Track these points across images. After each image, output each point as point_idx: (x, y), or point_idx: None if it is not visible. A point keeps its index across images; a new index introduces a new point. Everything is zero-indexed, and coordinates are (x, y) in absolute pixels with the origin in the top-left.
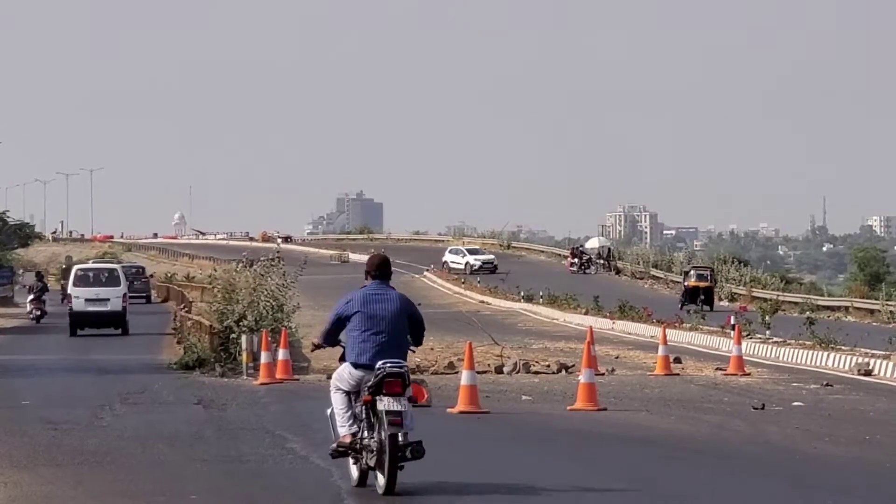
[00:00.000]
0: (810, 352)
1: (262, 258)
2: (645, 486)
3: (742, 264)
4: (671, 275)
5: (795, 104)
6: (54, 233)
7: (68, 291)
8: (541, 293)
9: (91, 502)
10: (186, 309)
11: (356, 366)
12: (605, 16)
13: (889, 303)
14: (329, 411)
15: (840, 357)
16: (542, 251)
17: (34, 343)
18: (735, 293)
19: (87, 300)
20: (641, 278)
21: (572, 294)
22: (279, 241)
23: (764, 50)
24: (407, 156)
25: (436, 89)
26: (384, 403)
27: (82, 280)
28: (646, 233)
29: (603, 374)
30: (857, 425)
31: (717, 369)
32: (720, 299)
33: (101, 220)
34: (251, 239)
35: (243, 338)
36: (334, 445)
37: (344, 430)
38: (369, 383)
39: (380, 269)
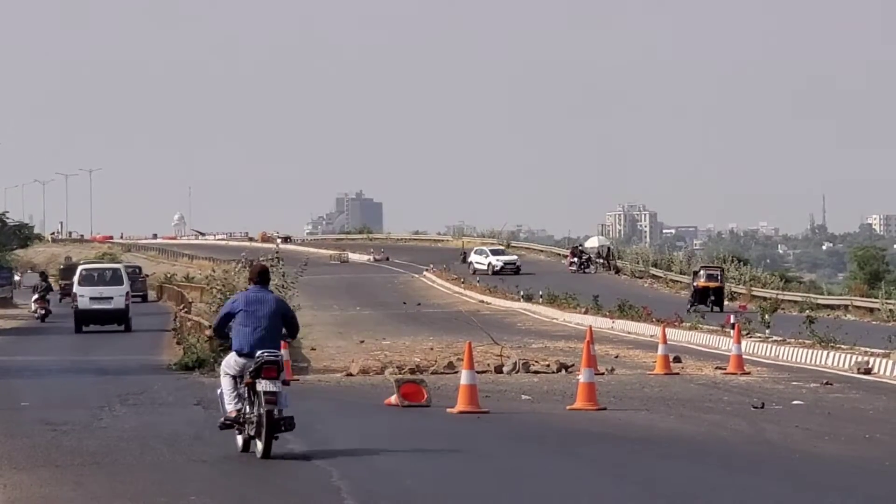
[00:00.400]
0: (810, 350)
1: (261, 258)
2: (645, 485)
3: (742, 263)
4: (671, 274)
5: (794, 103)
6: (53, 233)
7: (74, 290)
8: (540, 292)
9: (90, 503)
10: (186, 309)
11: (240, 354)
12: (604, 16)
13: (889, 301)
14: (219, 392)
15: (840, 356)
16: (542, 251)
17: (33, 344)
18: (735, 292)
19: (91, 298)
20: (641, 277)
21: (572, 293)
22: (279, 241)
23: (762, 49)
24: (406, 156)
25: (435, 89)
26: (262, 385)
27: (87, 279)
28: (645, 232)
29: (603, 374)
30: (857, 424)
31: (716, 368)
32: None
33: (100, 220)
34: (251, 239)
35: None
36: (222, 419)
37: (231, 406)
38: (250, 369)
39: (260, 276)
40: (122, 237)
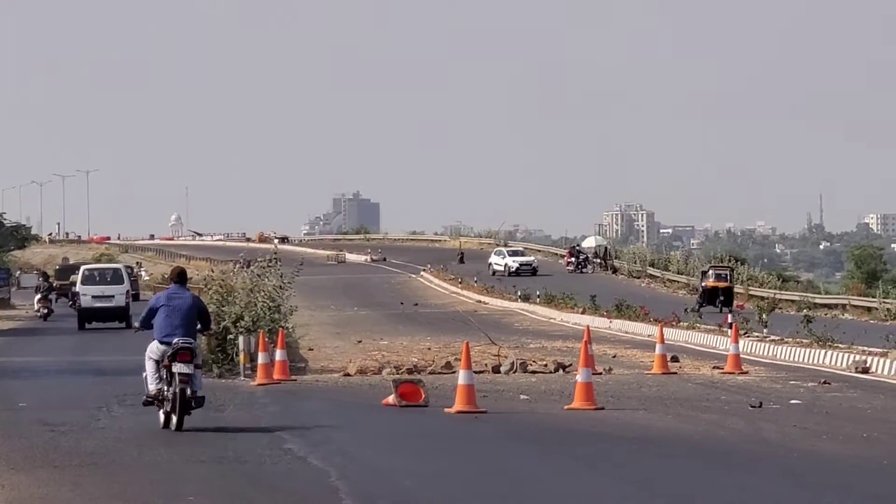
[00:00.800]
0: (808, 350)
1: (258, 259)
2: (643, 484)
3: (739, 262)
4: (668, 273)
5: (792, 103)
6: (51, 234)
7: (76, 289)
8: (538, 292)
9: None
10: None
11: (161, 342)
12: (601, 16)
13: (886, 300)
14: (144, 374)
15: (837, 355)
16: (539, 250)
17: (31, 345)
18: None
19: (93, 297)
20: (638, 277)
21: (569, 293)
22: (276, 241)
23: (760, 49)
24: (403, 156)
25: (432, 89)
26: (177, 367)
27: (89, 279)
28: (642, 231)
29: (600, 374)
30: (855, 423)
31: (714, 368)
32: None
33: (97, 221)
34: (248, 240)
35: (240, 339)
36: (145, 396)
37: (153, 386)
38: (168, 354)
39: (179, 277)
40: (119, 238)
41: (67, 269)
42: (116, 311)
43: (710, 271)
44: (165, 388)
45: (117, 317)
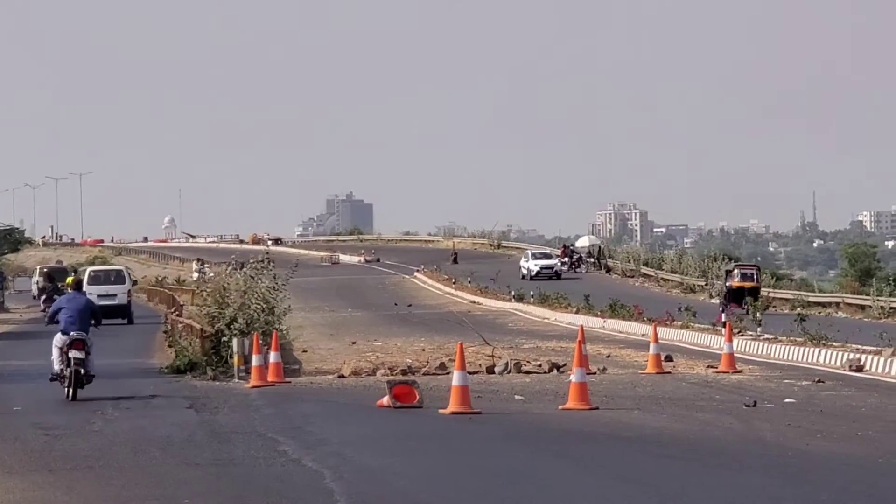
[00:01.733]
0: (802, 348)
1: (251, 261)
2: (637, 484)
3: (733, 261)
4: (661, 273)
5: (785, 101)
6: (44, 237)
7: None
8: (531, 292)
9: None
10: (177, 312)
11: (62, 333)
12: (595, 15)
13: (880, 298)
14: (52, 357)
15: (831, 353)
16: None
17: (25, 348)
18: None
19: (98, 296)
20: (632, 276)
21: (563, 293)
22: (269, 243)
23: (753, 48)
24: (396, 156)
25: (424, 90)
26: (73, 353)
27: (95, 279)
28: (636, 231)
29: (594, 373)
30: (850, 421)
31: (708, 367)
32: (711, 297)
33: (90, 224)
34: (241, 242)
35: (234, 341)
36: (51, 374)
37: (56, 367)
38: (66, 343)
39: (76, 285)
40: (112, 240)
41: (58, 272)
42: (119, 308)
43: (736, 270)
44: (65, 368)
45: (120, 313)
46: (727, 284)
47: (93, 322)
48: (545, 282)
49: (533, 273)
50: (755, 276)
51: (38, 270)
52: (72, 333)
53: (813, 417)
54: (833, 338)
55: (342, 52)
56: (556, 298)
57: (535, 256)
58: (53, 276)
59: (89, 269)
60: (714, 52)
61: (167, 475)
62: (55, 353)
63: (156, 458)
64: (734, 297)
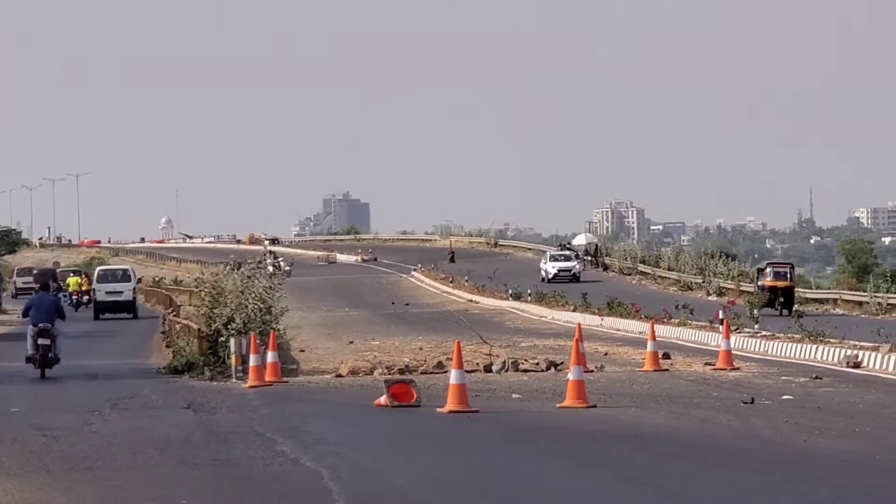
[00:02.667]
0: (799, 345)
1: (249, 261)
2: (635, 482)
3: (730, 258)
4: (659, 270)
5: (781, 98)
6: (41, 239)
7: (93, 286)
8: (529, 291)
9: None
10: (175, 313)
11: (33, 325)
12: (591, 13)
13: (877, 294)
14: (27, 344)
15: (829, 350)
16: (530, 248)
17: (22, 350)
18: (723, 287)
19: (107, 292)
20: (629, 274)
21: (560, 291)
22: (266, 243)
23: (749, 45)
24: (393, 155)
25: (421, 89)
26: (41, 341)
27: (103, 278)
28: (633, 228)
29: (592, 371)
30: (847, 418)
31: (706, 364)
32: (708, 294)
33: (88, 225)
34: (238, 242)
35: (232, 341)
36: (26, 357)
37: (30, 351)
38: (36, 332)
39: (42, 287)
40: (109, 241)
41: (45, 274)
42: (125, 304)
43: (768, 269)
44: (36, 352)
45: (126, 308)
46: (759, 284)
47: (58, 316)
48: (565, 285)
49: (550, 275)
50: (789, 275)
51: (15, 271)
52: (39, 325)
53: (811, 414)
54: (830, 334)
55: (338, 52)
56: (554, 297)
57: (553, 258)
58: (56, 276)
59: (98, 268)
60: (711, 48)
61: (165, 475)
62: (29, 340)
63: (154, 459)
64: (767, 297)
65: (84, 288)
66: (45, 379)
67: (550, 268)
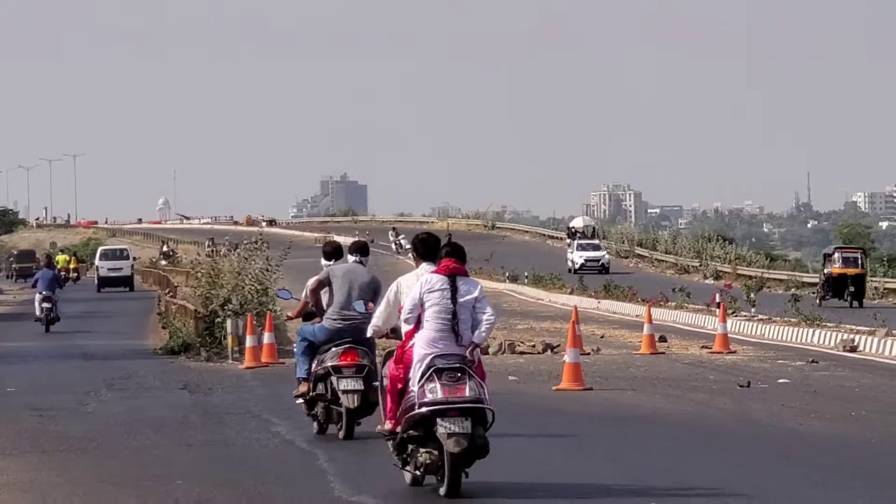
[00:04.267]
0: (795, 329)
1: (244, 242)
2: (632, 464)
3: (727, 242)
4: (656, 253)
5: (779, 82)
6: (38, 219)
7: (96, 263)
8: (525, 273)
9: (77, 489)
10: (171, 294)
11: (38, 293)
12: None
13: (874, 279)
14: (35, 308)
15: (825, 334)
16: (527, 231)
17: (18, 330)
18: (720, 271)
19: (108, 269)
20: (626, 257)
21: (557, 274)
22: (263, 224)
23: (747, 29)
24: (390, 138)
25: (418, 71)
26: (44, 304)
27: (105, 256)
28: (630, 211)
29: (588, 354)
30: (843, 401)
31: (702, 347)
32: (705, 277)
33: (84, 205)
34: (235, 223)
35: (228, 322)
36: (35, 317)
37: (38, 313)
38: (41, 298)
39: (48, 265)
40: (106, 222)
41: (27, 254)
42: (124, 279)
43: (836, 254)
44: (41, 313)
45: (124, 283)
46: (826, 271)
47: (58, 285)
48: (595, 275)
49: (577, 266)
50: (860, 262)
51: (14, 256)
52: (44, 293)
53: (807, 398)
54: (827, 318)
55: (337, 35)
56: (551, 279)
57: (581, 247)
58: (52, 257)
59: (100, 248)
60: (709, 34)
61: (161, 456)
62: (37, 305)
63: (149, 439)
64: (835, 286)
65: (72, 266)
66: (48, 333)
67: (577, 257)
